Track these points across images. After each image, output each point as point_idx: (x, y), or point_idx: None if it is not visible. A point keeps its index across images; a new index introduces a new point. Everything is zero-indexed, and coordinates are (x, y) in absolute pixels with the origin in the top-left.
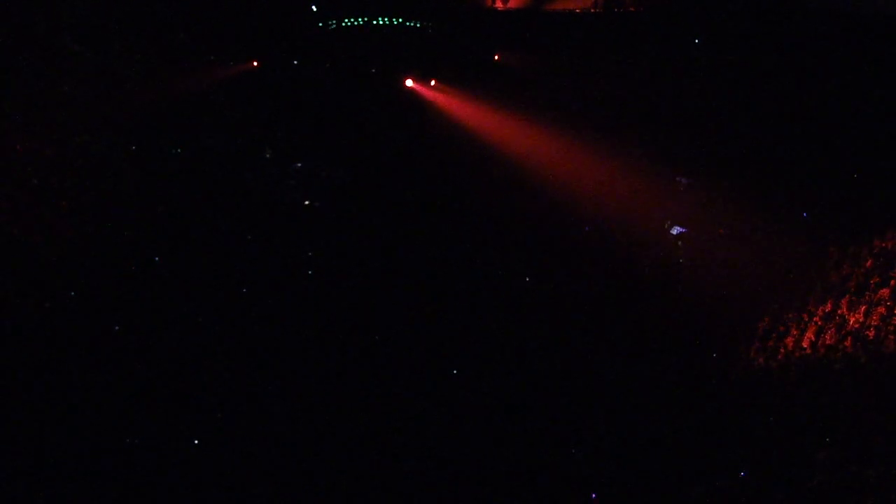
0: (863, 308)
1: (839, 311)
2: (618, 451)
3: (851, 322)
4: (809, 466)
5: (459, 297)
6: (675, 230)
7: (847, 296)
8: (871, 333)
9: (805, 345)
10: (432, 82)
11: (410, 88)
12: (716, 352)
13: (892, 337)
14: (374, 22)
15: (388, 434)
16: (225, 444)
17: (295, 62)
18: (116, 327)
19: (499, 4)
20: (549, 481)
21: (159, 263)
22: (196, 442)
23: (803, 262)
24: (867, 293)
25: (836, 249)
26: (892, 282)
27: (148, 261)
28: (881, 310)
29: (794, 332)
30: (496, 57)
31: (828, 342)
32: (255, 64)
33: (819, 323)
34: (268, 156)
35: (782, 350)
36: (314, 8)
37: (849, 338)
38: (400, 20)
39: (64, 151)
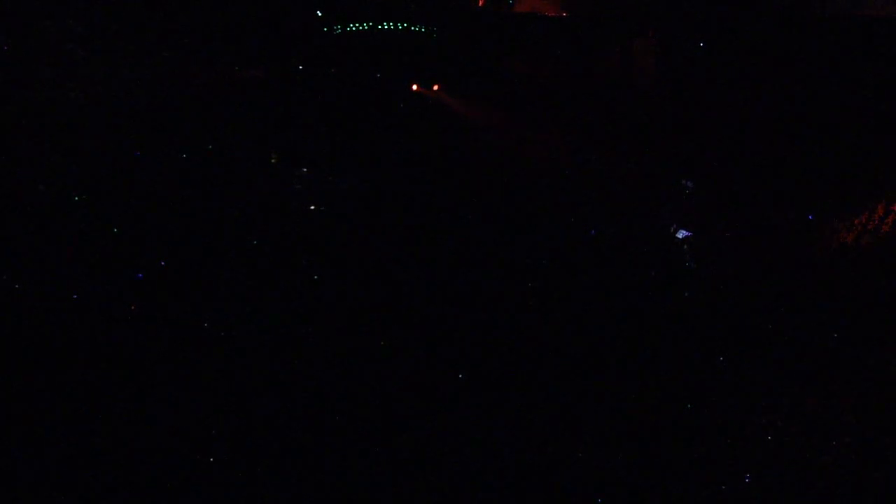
0: None
1: None
2: (622, 454)
3: None
4: (814, 470)
5: (465, 302)
6: (681, 234)
7: None
8: None
9: None
10: (436, 87)
11: (416, 93)
12: (722, 356)
13: None
14: (379, 27)
15: (394, 437)
16: (227, 449)
17: (300, 67)
18: (119, 331)
19: (504, 8)
20: (553, 483)
21: (164, 268)
22: (197, 444)
23: (810, 265)
24: None
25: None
26: None
27: (152, 265)
28: None
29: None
30: (500, 61)
31: None
32: (261, 70)
33: None
34: (273, 161)
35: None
36: (319, 13)
37: None
38: (405, 25)
39: (68, 157)
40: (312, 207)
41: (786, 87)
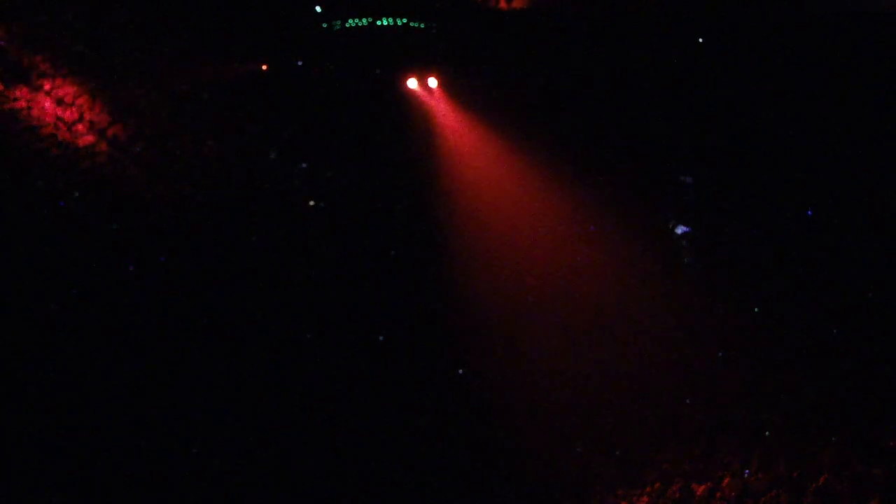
0: None
1: None
2: (621, 450)
3: None
4: (815, 466)
5: (465, 298)
6: (680, 230)
7: None
8: None
9: None
10: (436, 83)
11: (414, 89)
12: (722, 351)
13: None
14: (379, 23)
15: (395, 435)
16: (227, 447)
17: (299, 63)
18: (119, 327)
19: (502, 4)
20: (550, 480)
21: (163, 264)
22: (198, 444)
23: (807, 262)
24: None
25: None
26: None
27: (152, 261)
28: None
29: None
30: (499, 57)
31: None
32: (265, 68)
33: None
34: (273, 156)
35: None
36: (318, 9)
37: None
38: (404, 21)
39: (68, 153)
40: (312, 203)
41: (785, 84)
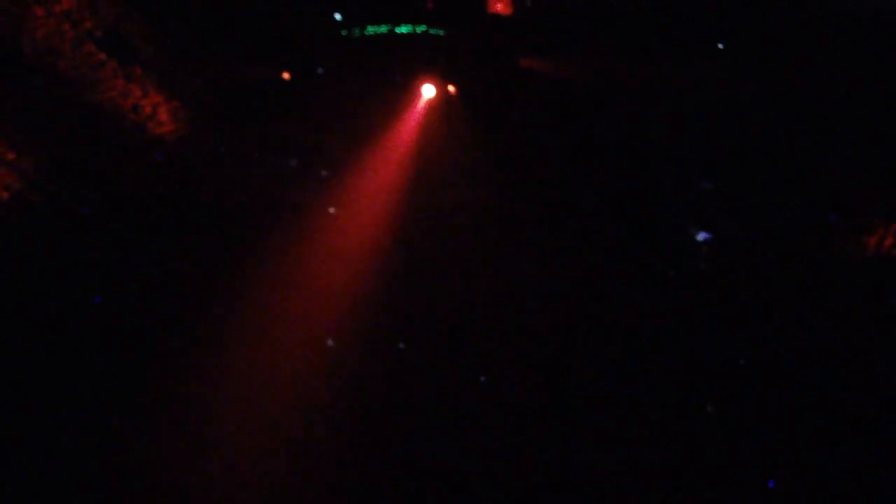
0: None
1: None
2: (632, 454)
3: None
4: (815, 465)
5: (472, 301)
6: (701, 236)
7: None
8: None
9: None
10: (452, 89)
11: (431, 95)
12: (743, 359)
13: None
14: (398, 30)
15: (402, 438)
16: (230, 448)
17: (319, 70)
18: (120, 326)
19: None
20: (561, 483)
21: (164, 264)
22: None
23: (831, 267)
24: None
25: None
26: None
27: (153, 260)
28: None
29: None
30: (518, 63)
31: None
32: (286, 76)
33: None
34: (293, 164)
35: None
36: (338, 16)
37: None
38: (423, 28)
39: (76, 154)
40: (332, 210)
41: (808, 85)
